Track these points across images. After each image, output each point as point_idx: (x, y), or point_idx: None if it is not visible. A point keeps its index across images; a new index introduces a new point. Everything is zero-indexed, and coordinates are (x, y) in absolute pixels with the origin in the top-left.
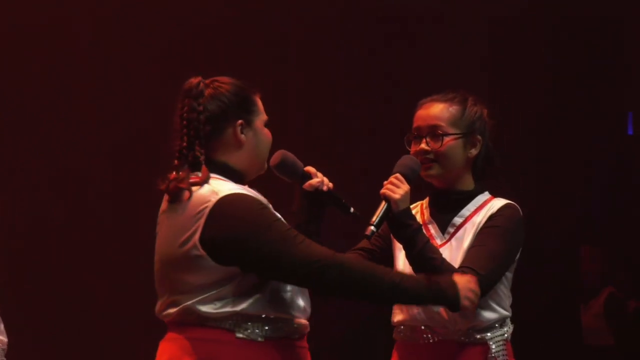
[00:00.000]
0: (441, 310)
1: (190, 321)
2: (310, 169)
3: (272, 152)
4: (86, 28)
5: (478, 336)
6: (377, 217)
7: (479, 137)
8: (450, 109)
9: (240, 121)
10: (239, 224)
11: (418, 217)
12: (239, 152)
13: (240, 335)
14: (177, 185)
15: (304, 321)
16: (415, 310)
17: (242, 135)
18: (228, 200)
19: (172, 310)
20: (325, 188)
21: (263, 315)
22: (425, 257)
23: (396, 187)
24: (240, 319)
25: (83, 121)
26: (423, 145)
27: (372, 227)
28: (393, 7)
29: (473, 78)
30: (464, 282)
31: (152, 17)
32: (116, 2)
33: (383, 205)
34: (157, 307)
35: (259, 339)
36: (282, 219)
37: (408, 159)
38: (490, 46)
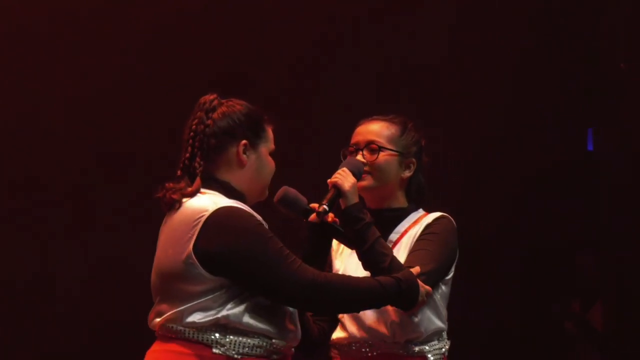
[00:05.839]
0: (381, 323)
1: (172, 333)
2: (315, 205)
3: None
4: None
5: (416, 349)
6: (328, 200)
7: (413, 160)
8: (390, 127)
9: (244, 141)
10: (234, 237)
11: None
12: (241, 172)
13: (217, 351)
14: (170, 195)
15: (287, 344)
16: (354, 326)
17: (244, 156)
18: (224, 212)
19: (157, 321)
20: (329, 219)
21: (244, 329)
22: (376, 252)
23: (344, 178)
24: (221, 330)
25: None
26: (359, 157)
27: (325, 206)
28: None
29: (431, 92)
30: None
31: (151, 17)
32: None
33: (333, 192)
34: (149, 316)
35: (236, 356)
36: (275, 237)
37: (354, 159)
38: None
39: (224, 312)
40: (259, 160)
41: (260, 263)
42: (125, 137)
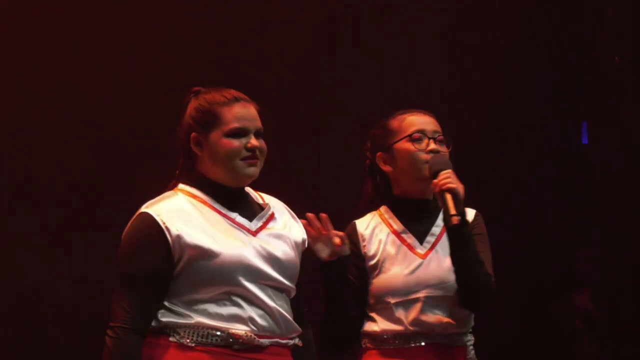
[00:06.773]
0: (434, 316)
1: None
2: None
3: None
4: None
5: (459, 339)
6: (455, 209)
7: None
8: (437, 121)
9: (193, 134)
10: (121, 243)
11: (384, 228)
12: (204, 163)
13: (172, 340)
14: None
15: (247, 333)
16: (402, 318)
17: (197, 148)
18: (134, 218)
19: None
20: None
21: (195, 322)
22: (474, 259)
23: (457, 182)
24: (174, 325)
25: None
26: (437, 146)
27: (459, 217)
28: None
29: (429, 91)
30: None
31: (152, 17)
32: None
33: (451, 198)
34: None
35: (190, 344)
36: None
37: (444, 157)
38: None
39: (165, 313)
40: (210, 149)
41: (120, 276)
42: (126, 137)
